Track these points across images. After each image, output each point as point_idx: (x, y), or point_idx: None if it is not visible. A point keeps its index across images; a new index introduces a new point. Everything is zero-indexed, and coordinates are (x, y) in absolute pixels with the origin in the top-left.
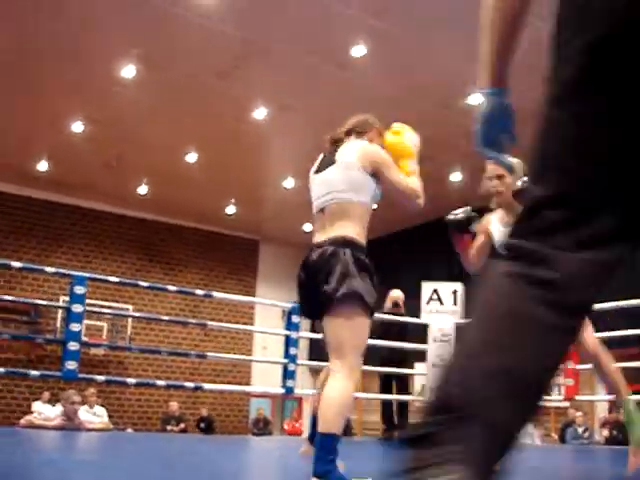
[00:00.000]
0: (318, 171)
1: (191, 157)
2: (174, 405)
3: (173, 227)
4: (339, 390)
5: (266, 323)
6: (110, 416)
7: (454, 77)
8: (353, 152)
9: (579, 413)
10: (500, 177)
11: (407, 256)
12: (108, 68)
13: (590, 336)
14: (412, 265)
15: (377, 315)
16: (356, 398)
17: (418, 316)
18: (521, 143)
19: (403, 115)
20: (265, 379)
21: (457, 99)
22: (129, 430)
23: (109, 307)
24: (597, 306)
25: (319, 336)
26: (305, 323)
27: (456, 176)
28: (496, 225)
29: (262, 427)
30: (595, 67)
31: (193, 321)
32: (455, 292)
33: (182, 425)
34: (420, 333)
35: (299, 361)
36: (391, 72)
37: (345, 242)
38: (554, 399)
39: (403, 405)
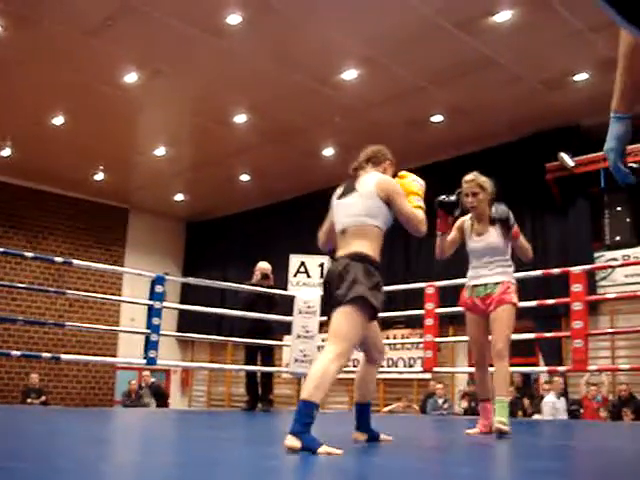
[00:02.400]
0: (341, 197)
1: (58, 120)
2: (35, 377)
3: (37, 193)
4: (323, 368)
5: (135, 294)
6: None
7: (330, 53)
8: (372, 182)
9: (440, 385)
10: (475, 194)
11: (279, 228)
12: None
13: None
14: (283, 237)
15: (245, 287)
16: (224, 370)
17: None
18: None
19: (278, 87)
20: (132, 351)
21: (331, 75)
22: None
23: None
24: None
25: (189, 307)
26: (174, 294)
27: (328, 151)
28: (468, 231)
29: (134, 399)
30: None
31: (52, 289)
32: (322, 265)
33: (43, 398)
34: (289, 305)
35: (164, 332)
36: (267, 43)
37: (358, 256)
38: (415, 370)
39: (267, 376)
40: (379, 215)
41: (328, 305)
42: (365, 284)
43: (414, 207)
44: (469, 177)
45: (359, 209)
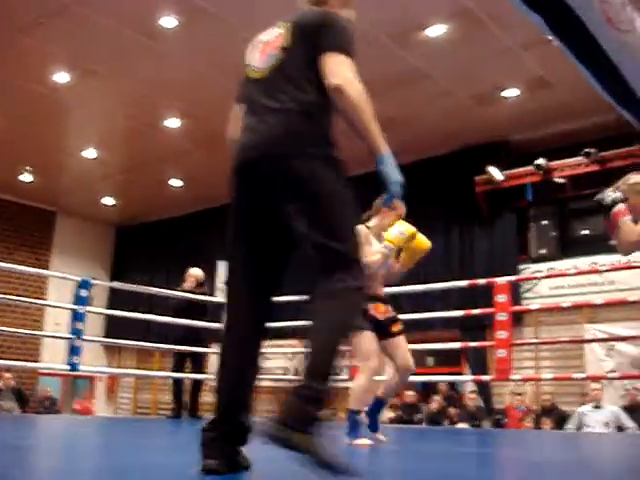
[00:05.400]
0: None
1: None
2: None
3: None
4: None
5: (62, 299)
6: None
7: None
8: None
9: None
10: None
11: (209, 235)
12: None
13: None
14: (214, 244)
15: (178, 293)
16: (150, 377)
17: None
18: None
19: (210, 93)
20: (56, 357)
21: None
22: None
23: None
24: (418, 287)
25: (114, 313)
26: (102, 300)
27: None
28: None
29: (48, 406)
30: None
31: None
32: None
33: None
34: (217, 312)
35: (88, 337)
36: (202, 48)
37: None
38: (340, 379)
39: (195, 384)
40: None
41: None
42: None
43: (376, 251)
44: None
45: None
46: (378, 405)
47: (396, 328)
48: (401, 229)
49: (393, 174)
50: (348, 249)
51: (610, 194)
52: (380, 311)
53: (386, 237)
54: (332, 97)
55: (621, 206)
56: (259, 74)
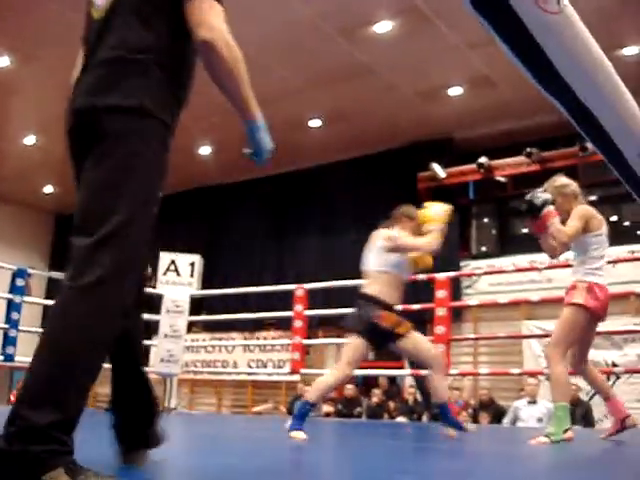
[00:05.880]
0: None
1: None
2: None
3: None
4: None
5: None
6: None
7: None
8: (380, 237)
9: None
10: None
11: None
12: None
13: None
14: (154, 235)
15: None
16: None
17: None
18: None
19: None
20: None
21: None
22: None
23: None
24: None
25: (51, 303)
26: (40, 290)
27: (205, 150)
28: None
29: None
30: None
31: None
32: (193, 264)
33: None
34: (157, 304)
35: (24, 327)
36: None
37: (365, 297)
38: (282, 372)
39: None
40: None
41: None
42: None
43: (423, 233)
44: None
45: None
46: (444, 408)
47: (401, 329)
48: (437, 209)
49: (266, 142)
50: (109, 230)
51: (540, 195)
52: (387, 320)
53: (428, 216)
54: (200, 52)
55: (551, 208)
56: (98, 13)
